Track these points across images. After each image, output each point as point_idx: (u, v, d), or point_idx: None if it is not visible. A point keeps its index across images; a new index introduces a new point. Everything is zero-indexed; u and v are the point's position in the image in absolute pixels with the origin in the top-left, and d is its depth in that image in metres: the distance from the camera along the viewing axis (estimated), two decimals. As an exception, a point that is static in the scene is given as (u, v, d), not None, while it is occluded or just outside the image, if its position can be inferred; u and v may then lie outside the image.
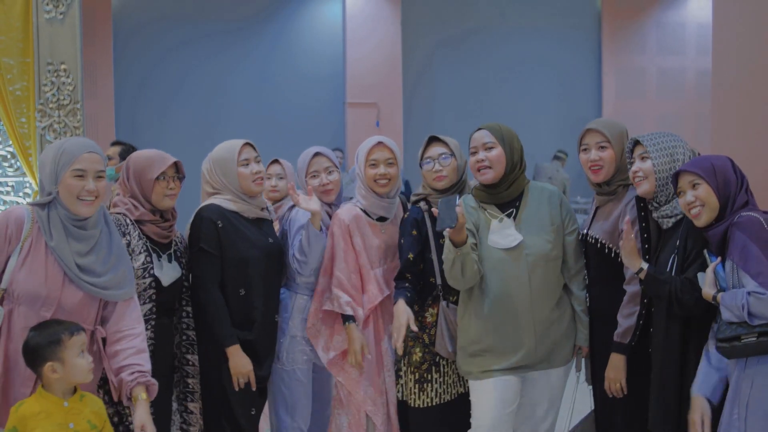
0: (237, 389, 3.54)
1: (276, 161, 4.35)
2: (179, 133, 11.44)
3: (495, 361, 3.43)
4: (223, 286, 3.57)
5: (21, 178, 6.22)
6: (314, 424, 3.93)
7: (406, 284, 3.61)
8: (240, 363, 3.51)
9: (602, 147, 3.41)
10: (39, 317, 2.87)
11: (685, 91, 13.74)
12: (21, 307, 2.88)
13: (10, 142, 6.05)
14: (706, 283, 2.95)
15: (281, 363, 3.77)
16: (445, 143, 3.67)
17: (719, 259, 2.94)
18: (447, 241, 3.33)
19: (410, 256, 3.61)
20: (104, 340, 3.06)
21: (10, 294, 2.87)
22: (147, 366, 3.02)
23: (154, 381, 3.02)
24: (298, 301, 3.80)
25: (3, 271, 2.89)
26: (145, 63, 11.76)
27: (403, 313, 3.48)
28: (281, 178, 4.26)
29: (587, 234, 3.52)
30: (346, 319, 3.68)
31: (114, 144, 6.69)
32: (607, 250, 3.42)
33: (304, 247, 3.65)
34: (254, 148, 3.70)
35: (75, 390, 2.87)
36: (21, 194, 6.18)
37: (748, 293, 2.77)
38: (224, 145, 3.69)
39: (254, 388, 3.56)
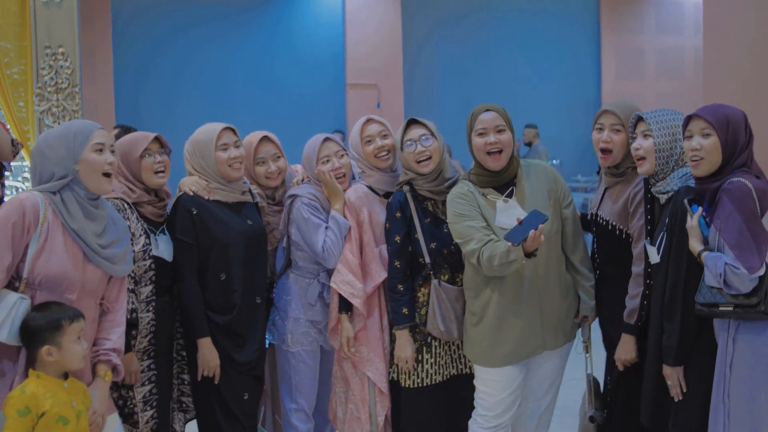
0: (199, 379, 3.54)
1: (265, 138, 3.88)
2: (180, 116, 11.43)
3: (504, 351, 3.45)
4: (204, 272, 3.57)
5: (20, 162, 6.24)
6: (321, 405, 3.97)
7: (400, 295, 3.63)
8: (208, 356, 3.51)
9: (616, 130, 3.40)
10: (63, 300, 2.89)
11: (684, 70, 13.70)
12: (43, 292, 2.87)
13: (9, 127, 6.06)
14: (692, 237, 2.96)
15: (286, 345, 3.79)
16: (425, 125, 3.65)
17: (700, 210, 2.95)
18: (519, 248, 3.22)
19: (397, 238, 3.61)
20: None
21: (30, 282, 2.87)
22: (116, 342, 3.05)
23: (117, 361, 3.04)
24: (299, 284, 3.81)
25: (21, 260, 2.88)
26: (145, 47, 11.74)
27: (408, 346, 3.62)
28: (277, 158, 3.88)
29: (597, 215, 3.52)
30: (343, 308, 3.70)
31: (116, 127, 6.68)
32: (618, 232, 3.42)
33: (339, 241, 3.69)
34: (235, 133, 3.67)
35: (66, 375, 2.89)
36: (20, 178, 6.21)
37: (726, 264, 2.79)
38: (205, 128, 3.68)
39: (215, 382, 3.54)
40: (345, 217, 3.73)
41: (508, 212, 3.42)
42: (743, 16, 3.93)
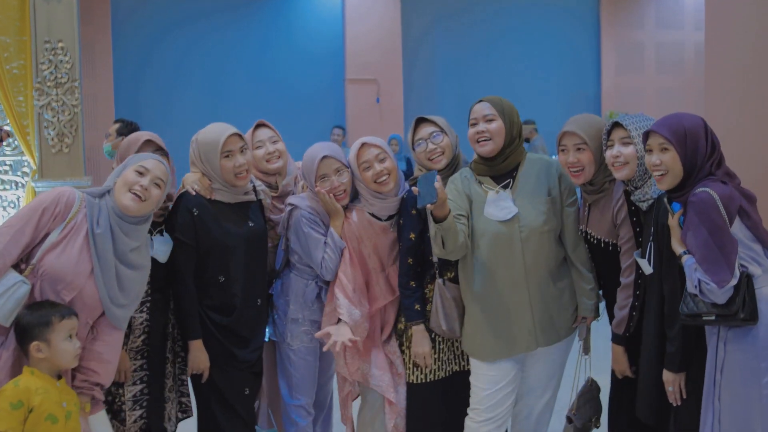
0: (188, 377, 3.55)
1: (261, 124, 3.91)
2: (180, 111, 11.44)
3: (495, 345, 3.45)
4: (202, 274, 3.54)
5: (19, 157, 6.25)
6: (318, 398, 3.95)
7: (412, 291, 3.63)
8: (199, 358, 3.50)
9: (579, 149, 3.36)
10: (59, 299, 2.91)
11: (684, 65, 13.72)
12: (44, 284, 2.91)
13: (8, 121, 6.06)
14: (673, 237, 2.95)
15: (287, 343, 3.78)
16: (433, 122, 3.63)
17: (682, 209, 2.92)
18: (429, 216, 3.33)
19: (411, 235, 3.60)
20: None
21: (35, 270, 2.90)
22: (101, 377, 3.07)
23: (100, 396, 3.08)
24: (298, 285, 3.78)
25: (37, 246, 2.92)
26: (145, 41, 11.74)
27: (425, 341, 3.61)
28: (275, 141, 3.86)
29: (587, 232, 3.49)
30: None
31: (116, 122, 6.69)
32: (611, 248, 3.40)
33: (336, 258, 3.66)
34: (241, 137, 3.58)
35: (59, 376, 2.90)
36: (19, 173, 6.21)
37: (698, 278, 2.80)
38: (211, 131, 3.60)
39: (203, 381, 3.54)
40: (342, 235, 3.69)
41: (498, 204, 3.43)
42: (746, 11, 3.92)
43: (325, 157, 3.67)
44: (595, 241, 3.45)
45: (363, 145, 3.68)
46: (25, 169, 6.14)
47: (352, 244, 3.68)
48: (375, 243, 3.70)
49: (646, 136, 3.00)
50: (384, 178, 3.64)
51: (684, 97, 12.93)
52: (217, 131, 3.56)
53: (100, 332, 3.06)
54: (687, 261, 2.86)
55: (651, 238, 3.10)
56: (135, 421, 3.42)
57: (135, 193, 2.99)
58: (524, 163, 3.54)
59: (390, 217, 3.74)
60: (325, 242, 3.67)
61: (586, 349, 3.67)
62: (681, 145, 2.89)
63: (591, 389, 3.67)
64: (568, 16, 13.53)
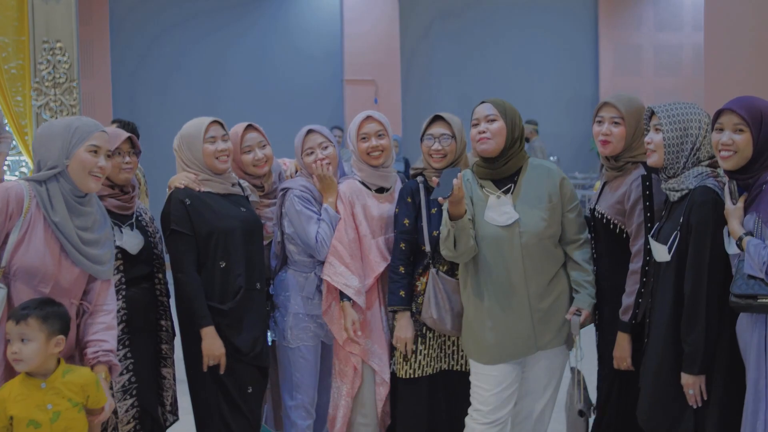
0: (204, 369, 3.52)
1: (250, 126, 3.91)
2: (178, 111, 11.38)
3: (494, 349, 3.45)
4: (204, 262, 3.57)
5: (17, 157, 6.24)
6: (321, 401, 3.95)
7: (401, 277, 3.66)
8: (213, 345, 3.50)
9: (615, 122, 3.39)
10: (37, 293, 2.89)
11: (682, 67, 13.72)
12: (18, 283, 2.88)
13: (6, 121, 6.05)
14: (734, 219, 2.86)
15: (286, 341, 3.80)
16: (449, 124, 3.69)
17: (746, 195, 2.86)
18: (444, 212, 3.36)
19: (406, 221, 3.67)
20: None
21: (6, 272, 2.87)
22: (111, 344, 3.06)
23: (115, 361, 3.06)
24: (297, 279, 3.82)
25: (0, 248, 2.89)
26: (142, 41, 11.72)
27: (409, 327, 3.65)
28: (263, 146, 3.90)
29: (595, 209, 3.51)
30: (345, 296, 3.71)
31: (114, 122, 6.69)
32: (612, 226, 3.40)
33: (332, 233, 3.72)
34: (222, 126, 3.69)
35: (59, 362, 2.87)
36: (17, 173, 6.20)
37: None
38: (192, 122, 3.71)
39: (221, 372, 3.54)
40: (336, 210, 3.76)
41: (499, 209, 3.45)
42: (745, 13, 3.93)
43: (310, 131, 3.86)
44: (599, 216, 3.45)
45: (367, 117, 3.85)
46: (23, 169, 6.14)
47: (345, 210, 3.75)
48: (365, 207, 3.78)
49: (718, 114, 2.94)
50: (377, 153, 3.81)
51: (682, 98, 12.89)
52: (199, 120, 3.69)
53: (95, 303, 3.06)
54: (751, 241, 2.76)
55: (678, 228, 3.02)
56: (127, 411, 3.42)
57: (95, 175, 2.99)
58: (526, 168, 3.55)
59: (380, 190, 3.86)
60: (319, 218, 3.74)
61: (570, 344, 3.60)
62: (756, 128, 2.85)
63: (582, 379, 3.66)
64: (566, 18, 13.52)
